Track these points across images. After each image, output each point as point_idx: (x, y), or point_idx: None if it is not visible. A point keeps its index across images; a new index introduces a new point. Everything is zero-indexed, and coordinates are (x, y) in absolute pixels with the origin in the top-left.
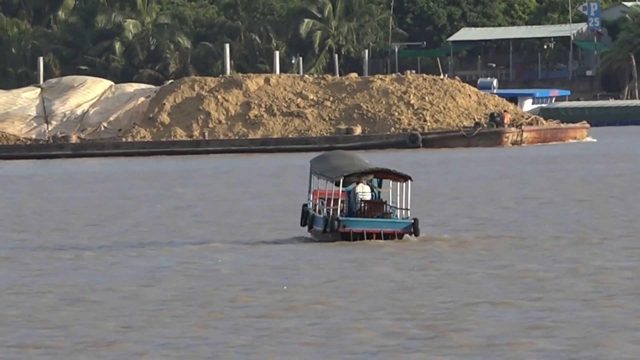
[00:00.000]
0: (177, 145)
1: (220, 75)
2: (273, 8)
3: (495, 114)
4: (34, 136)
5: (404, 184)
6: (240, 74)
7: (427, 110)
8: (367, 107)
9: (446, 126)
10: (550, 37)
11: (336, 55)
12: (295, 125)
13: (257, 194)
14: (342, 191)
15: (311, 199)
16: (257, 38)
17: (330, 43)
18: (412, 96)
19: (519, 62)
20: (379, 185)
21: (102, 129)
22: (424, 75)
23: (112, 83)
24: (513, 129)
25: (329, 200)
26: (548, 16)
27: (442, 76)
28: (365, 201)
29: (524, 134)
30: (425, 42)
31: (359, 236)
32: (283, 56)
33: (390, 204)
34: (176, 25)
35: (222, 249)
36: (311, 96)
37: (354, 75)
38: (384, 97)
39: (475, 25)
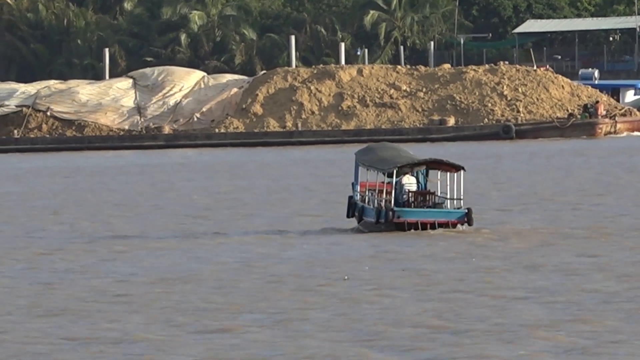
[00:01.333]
0: (269, 136)
1: (313, 66)
2: (338, 0)
3: (588, 105)
4: (127, 127)
5: (456, 174)
6: (332, 65)
7: (521, 101)
8: (460, 98)
9: (539, 117)
10: (615, 29)
11: (402, 47)
12: (388, 116)
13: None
14: (387, 182)
15: (358, 190)
16: (322, 30)
17: (395, 35)
18: (505, 87)
19: (584, 54)
20: (426, 176)
21: (195, 119)
22: (517, 66)
23: (205, 74)
24: (607, 120)
25: (379, 191)
26: (614, 8)
27: (534, 67)
28: (412, 192)
29: (618, 125)
30: (490, 34)
31: (413, 226)
32: (348, 48)
33: (439, 194)
34: (242, 17)
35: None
36: (404, 87)
37: (446, 66)
38: (477, 88)
39: (541, 17)
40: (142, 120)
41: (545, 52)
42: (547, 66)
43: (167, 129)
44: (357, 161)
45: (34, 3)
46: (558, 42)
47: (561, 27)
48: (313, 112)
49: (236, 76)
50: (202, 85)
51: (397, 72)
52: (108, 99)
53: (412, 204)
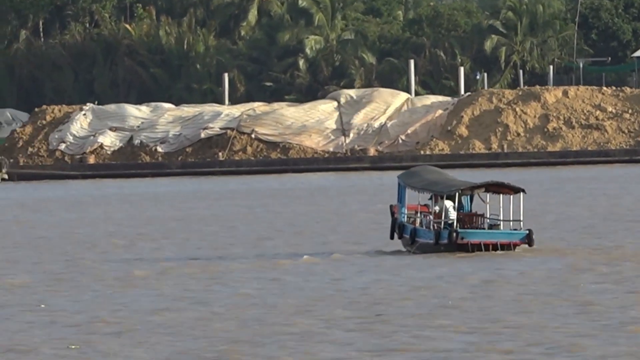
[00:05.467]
0: (475, 158)
1: (518, 88)
2: (457, 24)
3: None
4: (331, 149)
5: (514, 196)
6: (538, 87)
7: None
8: None
9: None
10: None
11: (521, 71)
12: (594, 137)
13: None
14: (423, 205)
15: (405, 212)
16: (441, 54)
17: (514, 59)
18: None
19: None
20: (471, 200)
21: (400, 141)
22: None
23: (409, 96)
24: None
25: (436, 213)
26: None
27: None
28: (460, 214)
29: None
30: (609, 58)
31: (476, 247)
32: (467, 72)
33: (494, 216)
34: (360, 41)
35: None
36: (610, 108)
37: None
38: None
39: None
40: (347, 142)
41: None
42: None
43: (372, 151)
44: (403, 184)
45: (154, 28)
46: None
47: None
48: (518, 134)
49: (440, 98)
50: (407, 107)
51: (603, 94)
52: (312, 121)
53: (458, 226)
